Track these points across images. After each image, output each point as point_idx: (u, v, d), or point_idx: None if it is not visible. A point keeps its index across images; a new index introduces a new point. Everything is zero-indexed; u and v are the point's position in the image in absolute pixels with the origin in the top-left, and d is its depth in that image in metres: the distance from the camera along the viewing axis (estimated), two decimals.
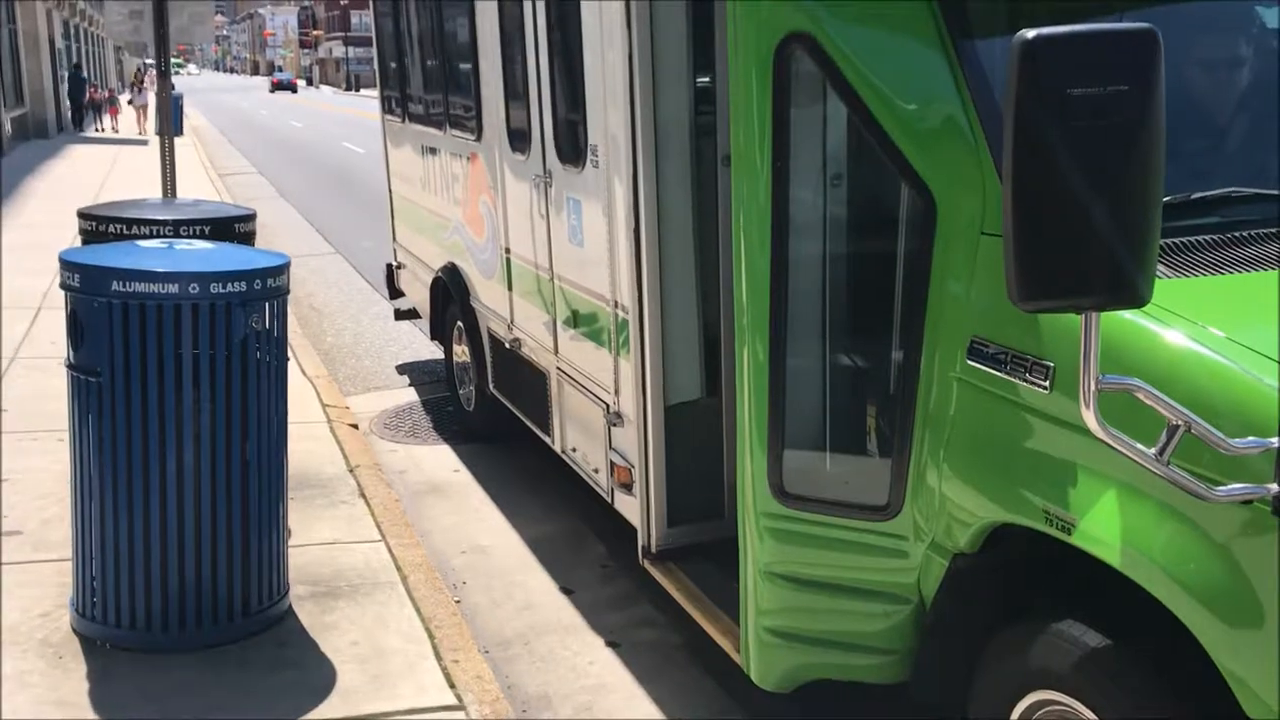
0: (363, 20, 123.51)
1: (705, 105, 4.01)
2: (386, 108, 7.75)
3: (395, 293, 8.18)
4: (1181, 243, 2.58)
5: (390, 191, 7.93)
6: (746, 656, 3.49)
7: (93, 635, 3.99)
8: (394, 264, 8.08)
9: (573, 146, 4.51)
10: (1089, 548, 2.48)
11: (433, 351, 8.60)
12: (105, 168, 21.80)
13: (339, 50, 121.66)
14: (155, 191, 9.99)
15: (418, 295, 7.51)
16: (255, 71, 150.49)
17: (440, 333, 7.08)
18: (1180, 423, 2.03)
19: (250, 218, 5.23)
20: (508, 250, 5.49)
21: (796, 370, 3.21)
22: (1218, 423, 2.09)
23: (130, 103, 33.63)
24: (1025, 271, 2.01)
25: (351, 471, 5.81)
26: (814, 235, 3.19)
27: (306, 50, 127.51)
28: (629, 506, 4.36)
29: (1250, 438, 2.05)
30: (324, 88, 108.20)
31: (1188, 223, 2.63)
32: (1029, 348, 2.62)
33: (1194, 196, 2.67)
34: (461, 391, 6.84)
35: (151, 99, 31.13)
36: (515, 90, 5.09)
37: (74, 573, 4.07)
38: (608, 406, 4.41)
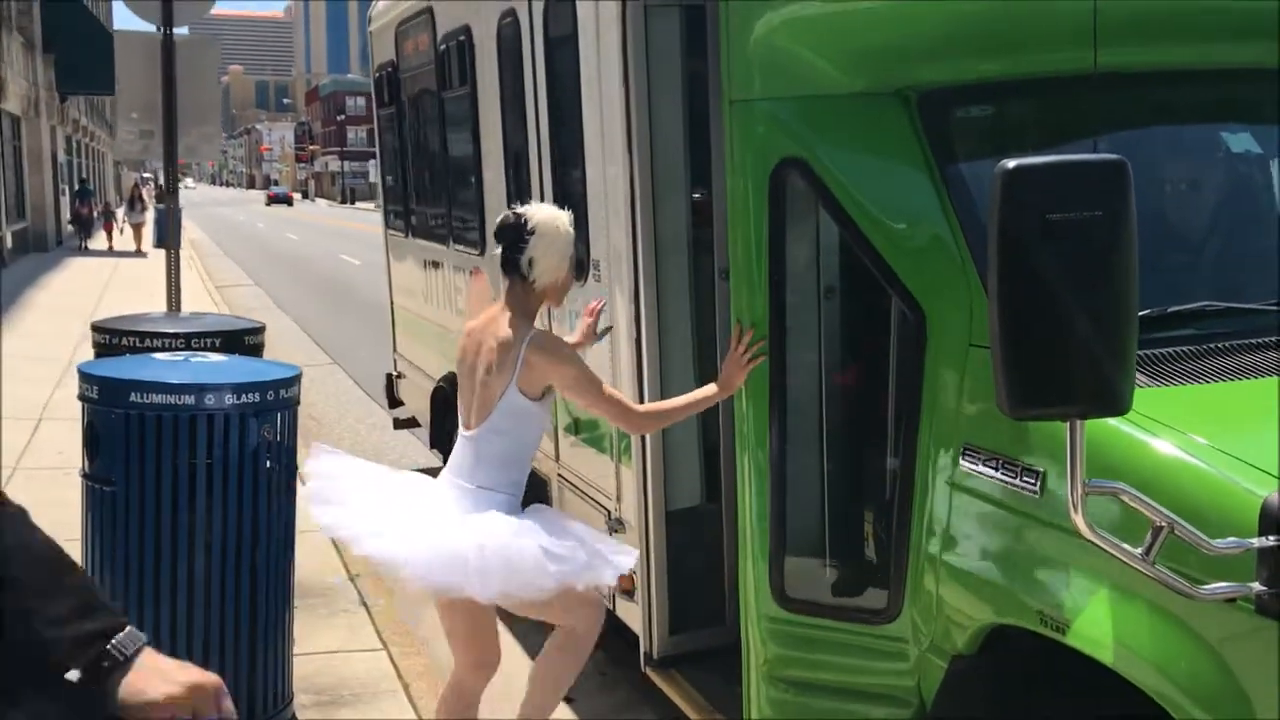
0: (358, 135, 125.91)
1: (701, 219, 4.19)
2: (389, 222, 7.97)
3: (394, 402, 8.29)
4: (1161, 354, 2.72)
5: (392, 303, 8.10)
6: None
7: None
8: (394, 374, 8.20)
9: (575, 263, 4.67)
10: (1083, 647, 2.56)
11: (430, 460, 8.66)
12: (103, 280, 22.05)
13: (334, 164, 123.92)
14: (153, 304, 10.16)
15: (418, 404, 7.62)
16: (250, 185, 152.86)
17: (440, 442, 7.17)
18: (1164, 524, 2.15)
19: (259, 330, 5.38)
20: None
21: (796, 478, 3.32)
22: (1201, 525, 2.20)
23: (126, 220, 33.15)
24: (1013, 383, 2.14)
25: (352, 580, 5.85)
26: (810, 347, 3.33)
27: (303, 164, 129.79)
28: (630, 613, 4.42)
29: (1231, 538, 2.16)
30: (319, 201, 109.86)
31: (1166, 334, 2.77)
32: (1020, 453, 2.74)
33: (1170, 310, 2.82)
34: None
35: (148, 216, 31.16)
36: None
37: None
38: (609, 513, 4.50)
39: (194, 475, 3.88)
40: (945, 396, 2.97)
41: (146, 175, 57.13)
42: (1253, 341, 2.77)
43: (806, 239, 3.27)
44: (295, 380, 4.15)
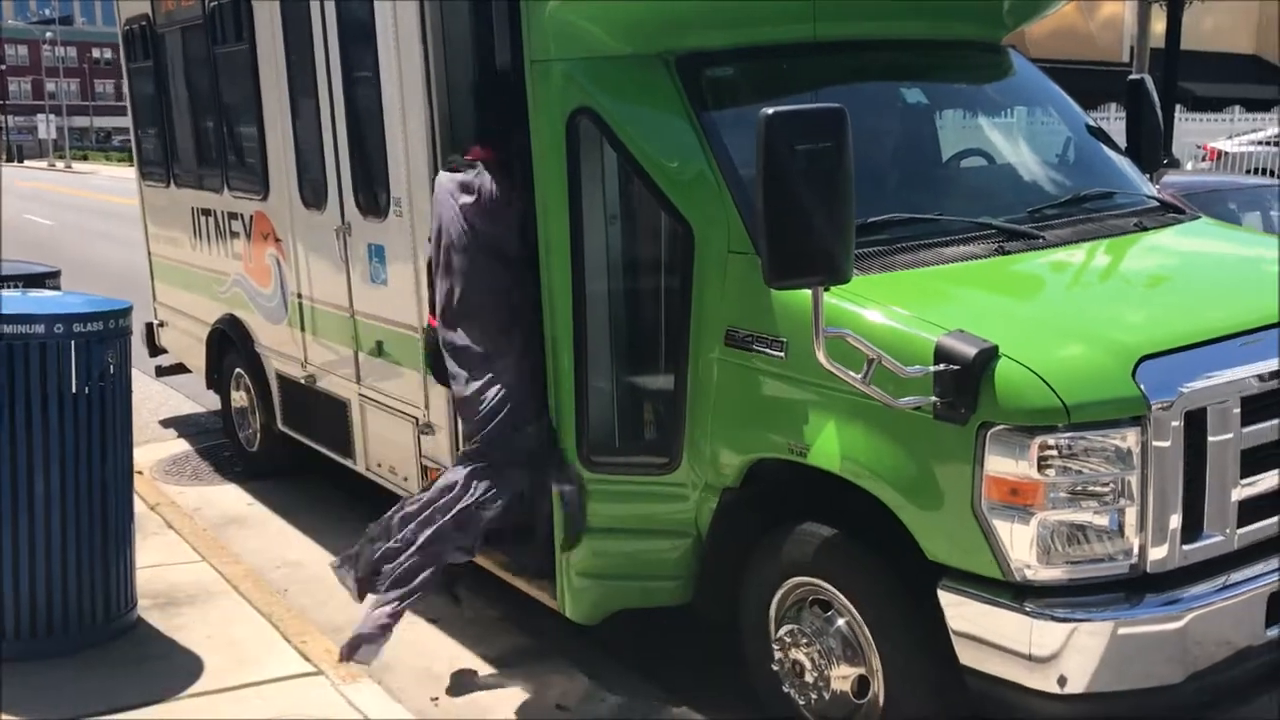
0: (22, 88, 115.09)
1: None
2: (146, 174, 8.13)
3: (157, 350, 8.47)
4: (866, 252, 3.71)
5: (150, 254, 8.27)
6: (563, 600, 4.34)
7: None
8: (155, 322, 8.38)
9: (374, 201, 5.28)
10: (819, 463, 3.54)
11: (194, 406, 8.94)
12: None
13: None
14: None
15: (187, 349, 7.91)
16: None
17: (216, 382, 7.52)
18: (874, 357, 3.13)
19: (56, 274, 5.68)
20: (300, 296, 6.14)
21: (596, 368, 4.14)
22: (897, 359, 3.19)
23: None
24: (774, 263, 3.05)
25: (153, 509, 6.21)
26: (604, 265, 4.14)
27: None
28: None
29: (917, 366, 3.16)
30: None
31: (867, 239, 3.76)
32: (768, 329, 3.68)
33: (870, 220, 3.80)
34: (242, 435, 7.31)
35: None
36: (310, 155, 5.78)
37: None
38: (417, 420, 5.17)
39: (45, 398, 4.27)
40: (711, 292, 3.86)
41: None
42: (927, 241, 3.82)
43: (598, 175, 4.07)
44: (129, 312, 4.58)
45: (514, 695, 4.42)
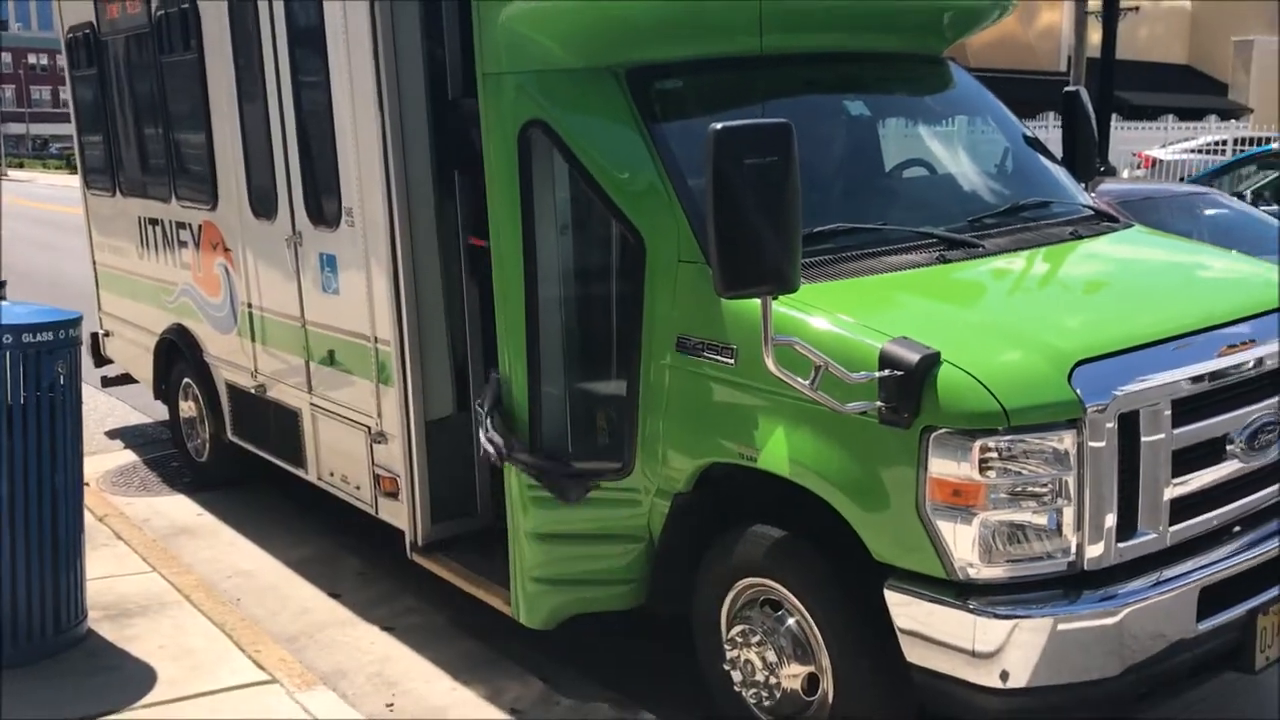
0: None
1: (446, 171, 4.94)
2: (91, 185, 8.05)
3: (102, 360, 8.39)
4: (811, 261, 3.80)
5: (95, 263, 8.20)
6: (517, 606, 4.39)
7: None
8: (101, 332, 8.30)
9: (325, 210, 5.29)
10: (769, 467, 3.62)
11: (140, 417, 8.86)
12: None
13: None
14: None
15: (134, 359, 7.85)
16: None
17: (164, 392, 7.47)
18: (821, 363, 3.22)
19: (1, 285, 5.61)
20: (250, 305, 6.13)
21: (549, 375, 4.20)
22: (843, 365, 3.28)
23: None
24: (724, 272, 3.13)
25: (101, 520, 6.16)
26: (557, 274, 4.20)
27: None
28: (394, 511, 5.15)
29: (863, 372, 3.25)
30: None
31: (812, 248, 3.85)
32: (719, 336, 3.76)
33: (815, 230, 3.89)
34: (190, 445, 7.27)
35: None
36: (260, 166, 5.78)
37: None
38: (370, 429, 5.19)
39: None
40: (662, 300, 3.93)
41: None
42: (871, 250, 3.92)
43: (549, 186, 4.13)
44: (79, 322, 4.57)
45: (468, 700, 4.46)
